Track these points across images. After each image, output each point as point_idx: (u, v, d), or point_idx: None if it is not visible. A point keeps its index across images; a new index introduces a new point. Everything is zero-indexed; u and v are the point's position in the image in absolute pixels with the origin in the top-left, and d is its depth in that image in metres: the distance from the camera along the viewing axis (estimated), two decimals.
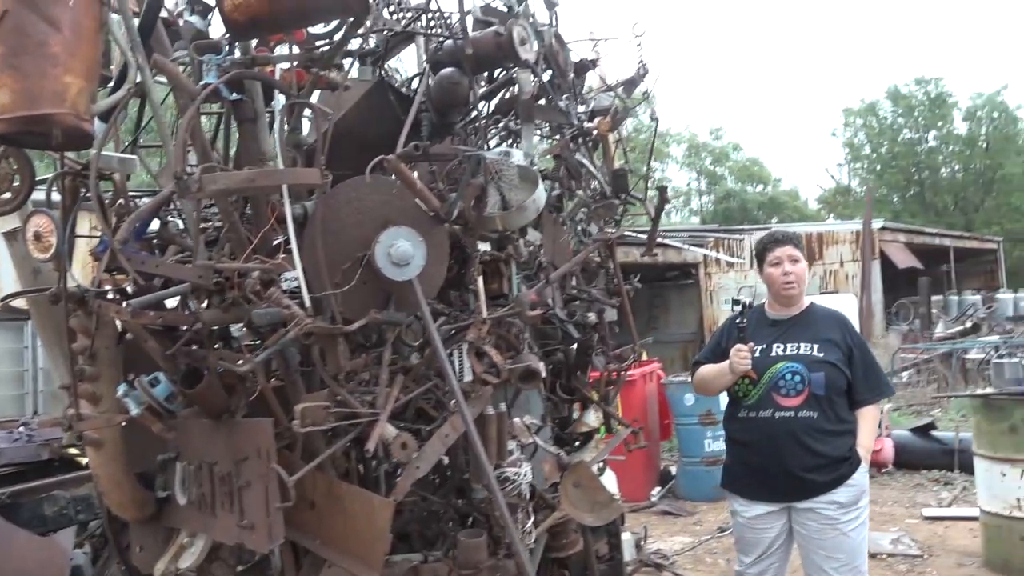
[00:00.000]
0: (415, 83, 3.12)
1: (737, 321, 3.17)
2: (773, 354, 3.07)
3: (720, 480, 3.32)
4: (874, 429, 3.18)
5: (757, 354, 3.07)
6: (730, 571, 4.75)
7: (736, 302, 3.27)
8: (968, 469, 5.76)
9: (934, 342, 13.14)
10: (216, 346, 2.38)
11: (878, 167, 40.65)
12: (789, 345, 3.08)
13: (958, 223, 33.79)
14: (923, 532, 5.30)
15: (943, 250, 22.50)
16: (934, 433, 7.14)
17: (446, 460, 2.68)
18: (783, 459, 2.99)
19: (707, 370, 3.25)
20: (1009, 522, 4.46)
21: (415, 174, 2.86)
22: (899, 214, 35.23)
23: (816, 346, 3.05)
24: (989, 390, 5.20)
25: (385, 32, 3.06)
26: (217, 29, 2.39)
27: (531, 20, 3.07)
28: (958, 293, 20.80)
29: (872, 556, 4.65)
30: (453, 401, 2.39)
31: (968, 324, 15.00)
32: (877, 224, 17.81)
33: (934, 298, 19.31)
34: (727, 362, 3.09)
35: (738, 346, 3.06)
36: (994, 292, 21.93)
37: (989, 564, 4.58)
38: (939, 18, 77.72)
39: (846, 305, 9.61)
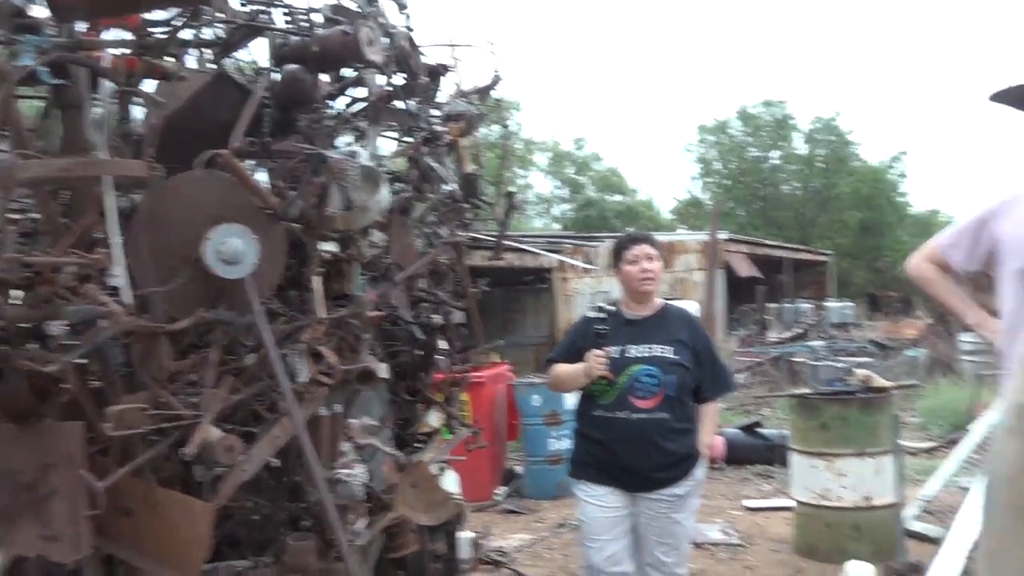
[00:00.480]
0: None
1: (597, 327, 3.19)
2: (630, 355, 3.14)
3: (568, 471, 3.37)
4: (715, 425, 3.36)
5: (614, 355, 3.12)
6: (567, 565, 4.92)
7: (601, 309, 3.30)
8: (787, 464, 6.23)
9: (767, 346, 14.05)
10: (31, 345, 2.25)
11: (728, 182, 42.99)
12: (644, 347, 3.16)
13: (795, 237, 36.22)
14: (745, 523, 5.67)
15: (780, 261, 24.14)
16: (760, 431, 7.66)
17: (277, 463, 2.64)
18: (637, 458, 3.09)
19: (562, 369, 3.27)
20: (817, 510, 4.86)
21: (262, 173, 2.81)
22: (744, 227, 37.38)
23: (671, 348, 3.15)
24: (805, 390, 5.65)
25: (230, 24, 2.98)
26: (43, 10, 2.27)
27: (382, 21, 3.07)
28: (792, 301, 22.31)
29: (699, 546, 4.93)
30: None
31: (798, 330, 16.13)
32: (723, 235, 18.87)
33: (771, 306, 20.64)
34: (583, 364, 3.13)
35: (596, 352, 3.10)
36: (823, 301, 23.73)
37: (799, 550, 4.97)
38: (785, 45, 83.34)
39: (691, 311, 10.11)
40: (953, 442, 7.12)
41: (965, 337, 12.34)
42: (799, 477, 5.03)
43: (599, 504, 3.17)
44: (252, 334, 2.45)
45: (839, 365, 8.78)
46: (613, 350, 3.13)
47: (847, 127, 41.79)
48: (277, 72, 2.79)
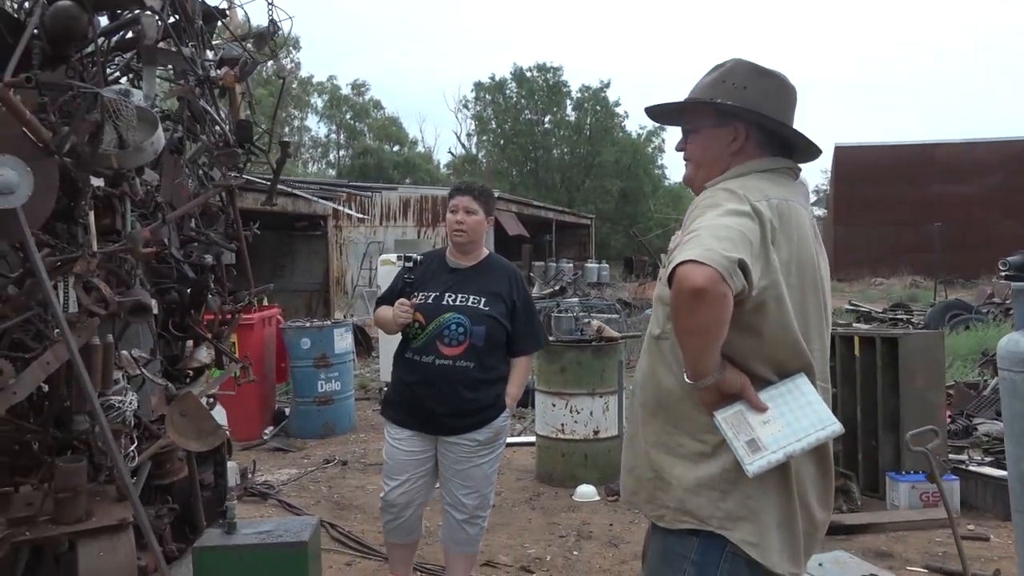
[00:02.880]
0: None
1: (406, 276, 3.30)
2: (444, 302, 3.23)
3: (381, 411, 3.51)
4: (525, 378, 3.43)
5: (430, 300, 3.24)
6: (331, 495, 5.25)
7: (408, 258, 3.36)
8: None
9: None
10: None
11: (502, 142, 44.34)
12: (459, 296, 3.25)
13: (562, 199, 38.35)
14: None
15: (548, 222, 25.58)
16: None
17: (45, 389, 2.71)
18: (437, 403, 3.21)
19: (383, 312, 3.38)
20: (555, 443, 5.56)
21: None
22: (516, 187, 38.96)
23: (484, 299, 3.23)
24: (550, 338, 6.35)
25: None
26: None
27: None
28: (556, 260, 23.79)
29: None
30: (57, 331, 2.46)
31: (558, 287, 17.37)
32: (496, 194, 19.72)
33: (536, 263, 21.90)
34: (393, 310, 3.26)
35: (402, 300, 3.23)
36: (584, 261, 25.51)
37: (539, 477, 5.67)
38: (564, 10, 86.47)
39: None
40: None
41: None
42: (541, 414, 5.70)
43: (399, 447, 3.31)
44: (14, 264, 2.51)
45: (581, 318, 9.71)
46: (430, 296, 3.26)
47: (616, 97, 44.64)
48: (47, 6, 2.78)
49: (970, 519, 4.53)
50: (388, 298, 3.44)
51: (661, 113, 1.96)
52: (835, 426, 1.66)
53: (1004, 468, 4.65)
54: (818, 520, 1.78)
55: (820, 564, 2.73)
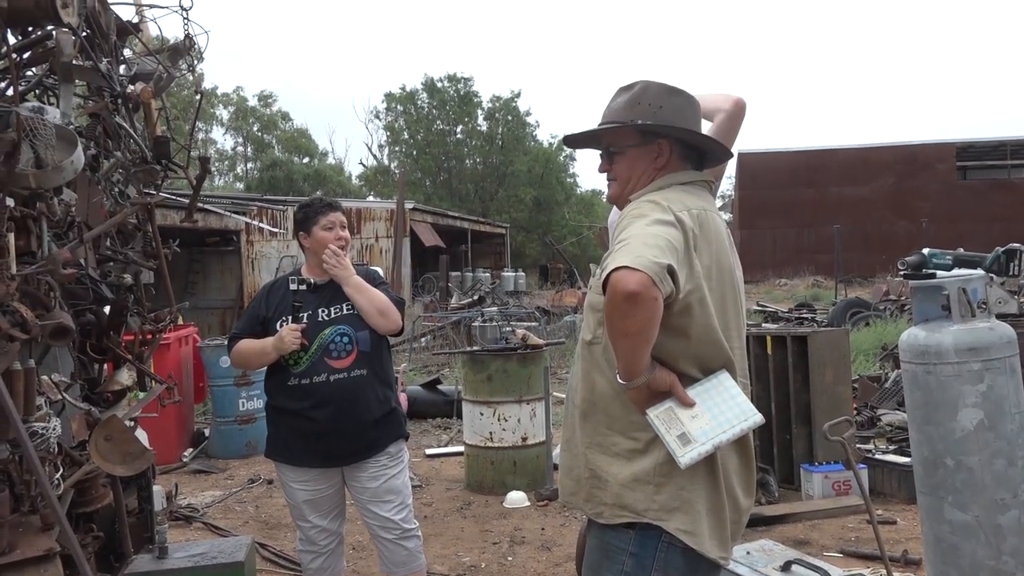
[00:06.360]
0: None
1: (295, 300, 3.13)
2: (320, 319, 3.12)
3: (265, 451, 3.31)
4: (376, 295, 3.21)
5: (305, 320, 3.10)
6: (258, 515, 5.16)
7: (303, 281, 3.20)
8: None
9: (449, 312, 15.06)
10: None
11: (414, 152, 44.20)
12: (333, 308, 3.15)
13: (476, 209, 38.47)
14: (424, 468, 6.31)
15: (463, 232, 25.66)
16: (440, 387, 8.40)
17: None
18: (341, 420, 3.04)
19: (247, 346, 3.18)
20: (483, 451, 5.61)
21: None
22: (430, 197, 38.88)
23: None
24: (475, 348, 6.41)
25: None
26: None
27: None
28: (472, 270, 23.88)
29: None
30: None
31: (476, 296, 17.44)
32: (409, 205, 19.68)
33: (453, 273, 21.92)
34: (271, 339, 3.08)
35: (292, 326, 3.06)
36: (500, 270, 25.68)
37: (469, 486, 5.71)
38: (473, 21, 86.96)
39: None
40: None
41: None
42: (469, 424, 5.74)
43: (304, 488, 3.14)
44: None
45: (505, 328, 9.82)
46: (303, 315, 3.12)
47: (527, 107, 44.98)
48: None
49: (878, 505, 4.80)
50: (249, 331, 3.23)
51: (579, 140, 2.05)
52: (756, 417, 1.78)
53: (907, 455, 4.96)
54: (742, 506, 1.90)
55: (748, 552, 2.87)
